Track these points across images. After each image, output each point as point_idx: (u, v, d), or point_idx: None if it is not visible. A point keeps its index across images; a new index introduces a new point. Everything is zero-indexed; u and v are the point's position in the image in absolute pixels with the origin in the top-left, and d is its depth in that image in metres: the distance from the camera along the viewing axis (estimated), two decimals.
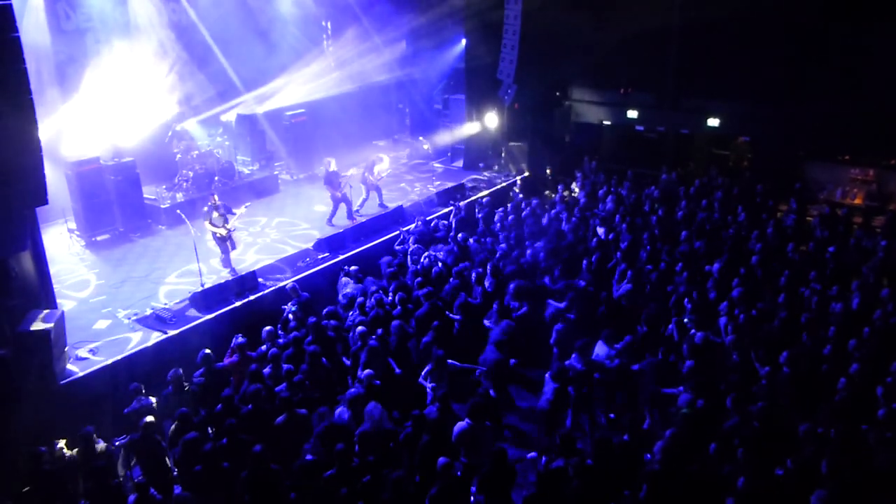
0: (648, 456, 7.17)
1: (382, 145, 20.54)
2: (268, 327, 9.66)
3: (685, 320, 9.67)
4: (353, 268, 11.59)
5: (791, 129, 15.80)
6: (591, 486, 6.53)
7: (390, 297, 10.49)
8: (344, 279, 11.44)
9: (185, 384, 8.51)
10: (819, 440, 6.93)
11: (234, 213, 12.39)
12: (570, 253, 12.05)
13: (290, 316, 10.32)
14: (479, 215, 14.27)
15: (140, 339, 10.17)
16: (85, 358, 9.66)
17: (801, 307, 9.86)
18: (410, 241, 12.72)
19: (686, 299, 10.05)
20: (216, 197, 12.51)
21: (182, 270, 12.63)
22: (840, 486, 6.27)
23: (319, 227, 14.75)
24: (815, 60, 15.16)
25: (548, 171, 17.57)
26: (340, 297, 11.16)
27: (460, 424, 7.37)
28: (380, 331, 9.44)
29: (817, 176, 15.89)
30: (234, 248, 12.51)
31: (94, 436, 7.66)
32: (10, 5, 7.99)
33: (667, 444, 6.68)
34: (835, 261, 11.17)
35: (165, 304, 11.17)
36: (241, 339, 9.28)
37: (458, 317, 10.15)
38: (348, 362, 9.33)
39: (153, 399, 8.37)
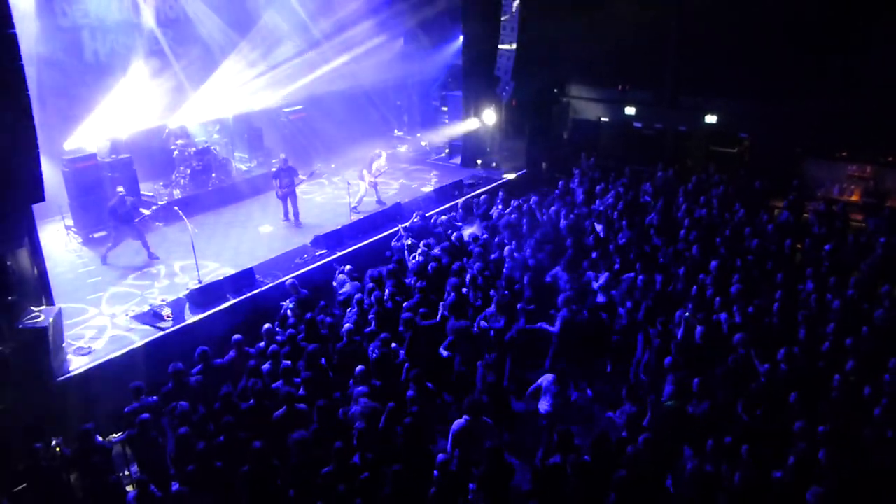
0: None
1: (380, 143, 20.46)
2: (267, 325, 9.66)
3: (686, 315, 9.69)
4: (347, 267, 11.59)
5: (789, 126, 15.82)
6: (589, 483, 6.54)
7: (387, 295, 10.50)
8: (340, 277, 11.43)
9: (185, 380, 8.50)
10: (815, 437, 6.95)
11: (141, 213, 12.60)
12: (568, 250, 12.05)
13: (289, 313, 10.32)
14: (477, 213, 14.28)
15: (137, 336, 10.14)
16: (82, 355, 9.66)
17: (798, 304, 9.89)
18: (405, 237, 12.75)
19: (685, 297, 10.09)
20: (122, 190, 12.70)
21: (179, 266, 12.61)
22: (836, 483, 6.29)
23: (330, 219, 14.81)
24: (813, 58, 15.16)
25: (543, 166, 17.56)
26: (338, 296, 11.16)
27: (458, 422, 7.39)
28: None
29: (815, 173, 15.90)
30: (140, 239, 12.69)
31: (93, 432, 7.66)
32: (6, 1, 7.97)
33: (637, 450, 6.66)
34: (831, 257, 11.19)
35: (163, 301, 11.16)
36: (237, 336, 9.28)
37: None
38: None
39: (155, 397, 8.37)
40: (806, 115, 15.39)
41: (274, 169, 14.59)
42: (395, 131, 21.83)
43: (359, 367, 8.39)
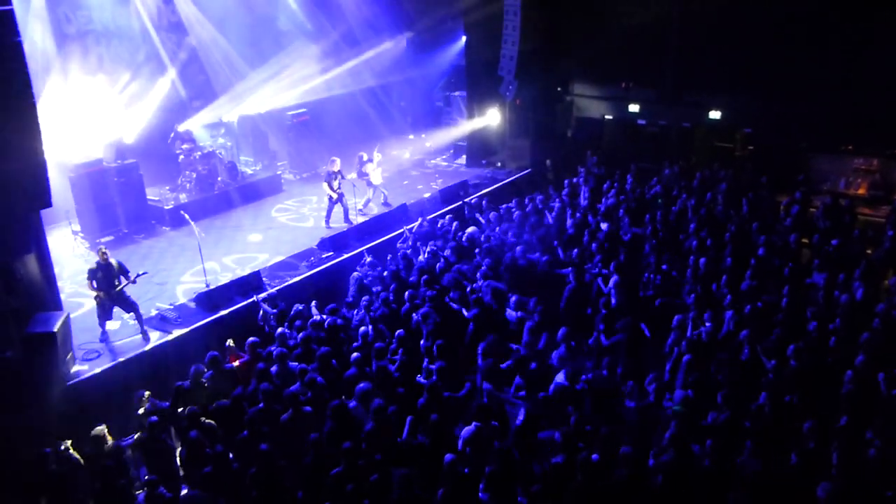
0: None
1: (382, 143, 20.44)
2: (280, 329, 9.65)
3: (691, 314, 9.66)
4: (368, 260, 11.89)
5: (793, 121, 15.75)
6: (596, 482, 6.52)
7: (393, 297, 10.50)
8: (367, 266, 11.67)
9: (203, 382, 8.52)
10: (824, 434, 6.91)
11: (128, 278, 10.17)
12: (574, 249, 12.03)
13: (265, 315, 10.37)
14: (472, 214, 14.24)
15: (145, 341, 10.18)
16: (90, 360, 9.70)
17: (806, 299, 9.84)
18: (410, 240, 12.73)
19: (692, 294, 10.06)
20: (105, 252, 10.13)
21: (186, 271, 12.65)
22: (846, 478, 6.26)
23: (335, 221, 14.84)
24: (817, 51, 15.10)
25: (547, 164, 17.54)
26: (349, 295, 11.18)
27: (468, 429, 7.37)
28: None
29: (820, 167, 15.84)
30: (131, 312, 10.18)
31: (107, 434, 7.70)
32: (12, 10, 8.03)
33: (668, 463, 6.65)
34: (838, 252, 11.12)
35: (170, 304, 11.20)
36: (253, 338, 9.27)
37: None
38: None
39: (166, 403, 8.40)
40: (811, 109, 15.31)
41: (332, 170, 14.40)
42: (399, 133, 21.73)
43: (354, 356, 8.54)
